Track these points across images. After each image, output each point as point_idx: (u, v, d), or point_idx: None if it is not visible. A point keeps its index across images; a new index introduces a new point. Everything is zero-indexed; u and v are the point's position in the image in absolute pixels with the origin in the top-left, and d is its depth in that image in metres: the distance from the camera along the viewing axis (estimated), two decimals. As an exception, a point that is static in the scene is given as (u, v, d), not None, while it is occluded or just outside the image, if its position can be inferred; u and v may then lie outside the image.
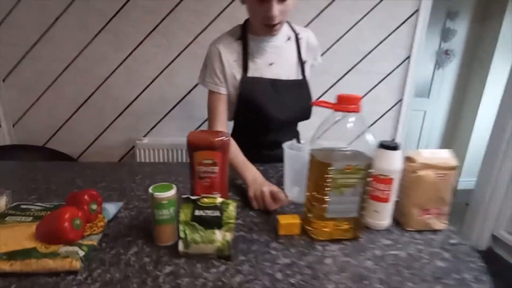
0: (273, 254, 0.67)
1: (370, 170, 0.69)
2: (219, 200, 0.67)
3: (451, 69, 3.29)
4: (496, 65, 2.97)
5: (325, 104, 0.68)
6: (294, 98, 1.09)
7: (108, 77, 1.75)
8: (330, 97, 0.68)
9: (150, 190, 0.66)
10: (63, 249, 0.60)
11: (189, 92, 1.83)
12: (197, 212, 0.65)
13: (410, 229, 0.78)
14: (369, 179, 0.70)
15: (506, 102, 2.21)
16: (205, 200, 0.67)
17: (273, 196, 0.81)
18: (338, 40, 1.80)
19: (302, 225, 0.74)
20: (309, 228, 0.73)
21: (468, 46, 3.20)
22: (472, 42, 3.19)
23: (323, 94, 1.89)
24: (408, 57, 1.89)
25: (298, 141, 1.24)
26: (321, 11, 1.76)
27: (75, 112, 1.79)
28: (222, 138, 0.67)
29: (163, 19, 1.69)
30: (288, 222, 0.74)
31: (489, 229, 2.37)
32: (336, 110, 0.68)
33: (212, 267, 0.62)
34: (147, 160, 1.79)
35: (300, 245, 0.70)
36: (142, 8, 1.66)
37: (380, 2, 1.77)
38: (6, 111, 1.71)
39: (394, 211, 0.79)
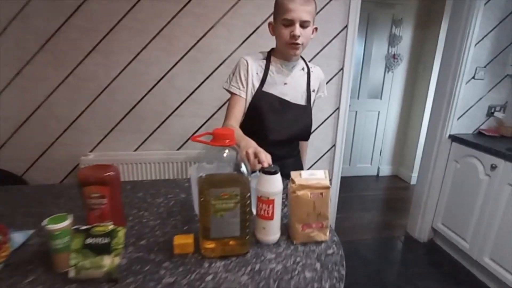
0: (161, 274, 0.75)
1: (247, 194, 0.78)
2: (110, 228, 0.75)
3: (400, 71, 3.48)
4: (437, 67, 3.15)
5: (203, 141, 0.77)
6: (295, 120, 1.27)
7: (49, 95, 1.78)
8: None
9: (43, 222, 0.73)
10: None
11: (134, 106, 1.89)
12: (88, 240, 0.72)
13: (296, 242, 0.89)
14: (248, 201, 0.79)
15: (436, 107, 2.39)
16: (97, 228, 0.74)
17: (256, 156, 0.89)
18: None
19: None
20: (201, 247, 0.82)
21: (413, 51, 3.40)
22: (416, 46, 3.39)
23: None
24: (342, 69, 2.01)
25: (296, 158, 1.42)
26: (256, 28, 1.86)
27: (18, 129, 1.80)
28: (109, 173, 0.75)
29: (103, 38, 1.74)
30: (181, 242, 0.82)
31: (429, 222, 2.55)
32: (214, 145, 0.76)
33: (99, 290, 0.70)
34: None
35: (190, 264, 0.79)
36: (80, 28, 1.70)
37: (311, 18, 1.89)
38: None
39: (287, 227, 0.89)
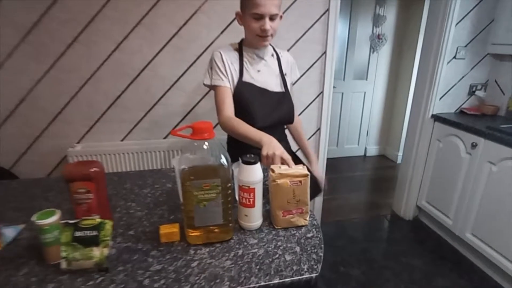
0: (149, 262, 0.79)
1: (228, 184, 0.82)
2: (98, 221, 0.78)
3: (384, 52, 3.50)
4: (421, 45, 3.18)
5: (182, 135, 0.80)
6: (278, 105, 1.33)
7: (33, 88, 1.76)
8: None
9: (32, 218, 0.76)
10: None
11: (118, 96, 1.88)
12: (77, 233, 0.76)
13: (277, 227, 0.94)
14: (229, 191, 0.83)
15: (418, 87, 2.43)
16: (85, 222, 0.77)
17: (283, 162, 0.96)
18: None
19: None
20: (186, 235, 0.86)
21: (397, 30, 3.41)
22: (400, 26, 3.40)
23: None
24: (324, 52, 2.03)
25: (285, 141, 1.47)
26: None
27: (3, 123, 1.79)
28: (94, 169, 0.77)
29: (83, 29, 1.71)
30: (167, 231, 0.86)
31: (413, 200, 2.63)
32: (194, 139, 0.79)
33: (90, 280, 0.73)
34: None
35: (176, 251, 0.83)
36: (59, 20, 1.68)
37: (293, 3, 1.89)
38: None
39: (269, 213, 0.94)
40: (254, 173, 0.86)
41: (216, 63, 1.26)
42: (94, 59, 1.79)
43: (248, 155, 0.88)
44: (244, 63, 1.29)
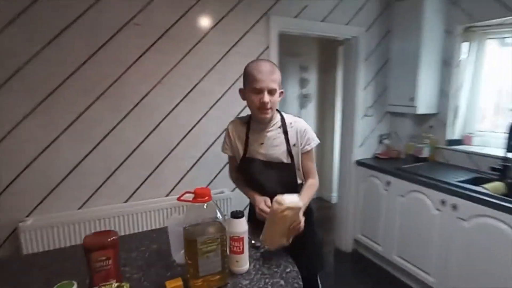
0: (164, 316, 0.91)
1: (224, 237, 1.01)
2: (115, 285, 0.88)
3: (311, 108, 4.13)
4: (338, 102, 3.86)
5: (187, 200, 0.99)
6: (280, 176, 1.40)
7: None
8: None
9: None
10: None
11: (78, 164, 1.91)
12: (98, 301, 0.86)
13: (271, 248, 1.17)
14: (224, 242, 1.01)
15: (343, 139, 2.95)
16: (103, 288, 0.87)
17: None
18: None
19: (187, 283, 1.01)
20: (191, 286, 1.00)
21: (319, 90, 4.11)
22: (321, 87, 4.11)
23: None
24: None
25: None
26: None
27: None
28: (112, 238, 0.90)
29: (107, 88, 1.91)
30: (174, 285, 0.99)
31: (350, 234, 3.00)
32: (195, 202, 0.98)
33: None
34: (36, 245, 1.72)
35: (183, 301, 0.96)
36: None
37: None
38: None
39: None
40: (242, 225, 1.07)
41: (226, 138, 1.48)
42: (54, 130, 1.84)
43: (236, 211, 1.09)
44: (249, 138, 1.40)
